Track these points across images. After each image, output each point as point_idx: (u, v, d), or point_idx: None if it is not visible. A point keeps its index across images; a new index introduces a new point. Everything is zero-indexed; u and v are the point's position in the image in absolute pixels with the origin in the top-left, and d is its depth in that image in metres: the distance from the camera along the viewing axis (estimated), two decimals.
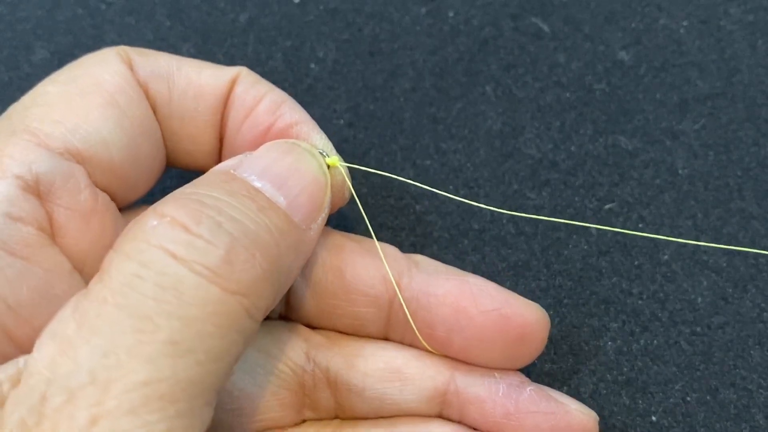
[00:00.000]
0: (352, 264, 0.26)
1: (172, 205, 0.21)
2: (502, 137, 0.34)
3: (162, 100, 0.26)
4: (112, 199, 0.25)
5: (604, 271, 0.31)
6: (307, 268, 0.26)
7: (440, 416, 0.27)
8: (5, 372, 0.20)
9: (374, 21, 0.37)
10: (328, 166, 0.25)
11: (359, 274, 0.26)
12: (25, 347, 0.21)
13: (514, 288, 0.31)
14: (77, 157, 0.24)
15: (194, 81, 0.26)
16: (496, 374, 0.26)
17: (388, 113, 0.35)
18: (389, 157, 0.34)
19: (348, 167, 0.27)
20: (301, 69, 0.36)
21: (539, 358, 0.30)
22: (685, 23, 0.37)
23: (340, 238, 0.27)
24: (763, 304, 0.30)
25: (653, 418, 0.29)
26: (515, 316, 0.26)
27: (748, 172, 0.33)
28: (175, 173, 0.32)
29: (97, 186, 0.24)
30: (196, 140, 0.27)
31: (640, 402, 0.29)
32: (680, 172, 0.33)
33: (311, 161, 0.24)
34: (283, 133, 0.26)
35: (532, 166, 0.33)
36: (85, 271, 0.23)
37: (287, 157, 0.24)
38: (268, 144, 0.25)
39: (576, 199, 0.33)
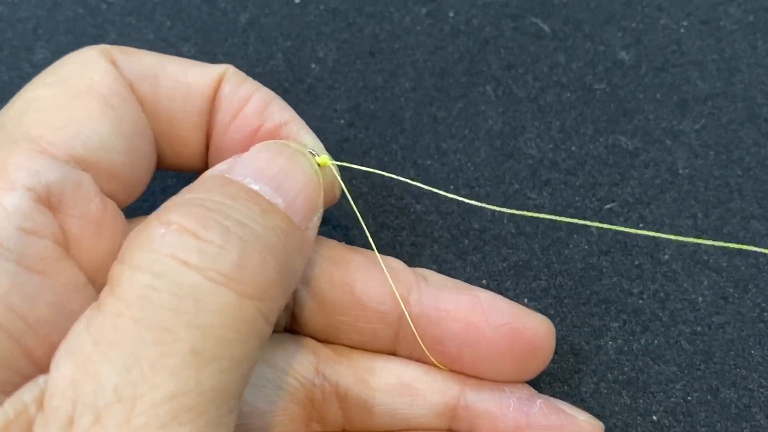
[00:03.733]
0: (360, 280, 0.26)
1: (176, 212, 0.20)
2: (503, 137, 0.34)
3: (149, 101, 0.25)
4: (118, 204, 0.25)
5: (604, 270, 0.31)
6: (313, 282, 0.26)
7: (450, 431, 0.27)
8: (30, 393, 0.19)
9: (375, 21, 0.37)
10: (319, 165, 0.25)
11: (368, 290, 0.26)
12: (43, 365, 0.20)
13: (515, 287, 0.31)
14: (82, 164, 0.23)
15: (181, 81, 0.26)
16: (505, 388, 0.26)
17: (388, 113, 0.35)
18: (390, 156, 0.34)
19: (338, 165, 0.27)
20: (302, 69, 0.36)
21: None
22: (685, 23, 0.37)
23: (346, 252, 0.27)
24: (763, 304, 0.30)
25: (654, 418, 0.29)
26: (525, 329, 0.26)
27: (749, 171, 0.33)
28: (174, 173, 0.32)
29: (103, 192, 0.24)
30: (184, 142, 0.26)
31: (641, 401, 0.29)
32: (681, 171, 0.33)
33: (303, 161, 0.24)
34: (273, 134, 0.26)
35: (532, 166, 0.33)
36: (98, 282, 0.23)
37: (280, 159, 0.23)
38: (258, 145, 0.24)
39: (576, 198, 0.33)
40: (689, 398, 0.29)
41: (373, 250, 0.27)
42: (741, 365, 0.29)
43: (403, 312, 0.26)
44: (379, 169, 0.32)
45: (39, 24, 0.38)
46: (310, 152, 0.25)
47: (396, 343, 0.27)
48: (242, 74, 0.27)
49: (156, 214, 0.21)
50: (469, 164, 0.33)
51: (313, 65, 0.36)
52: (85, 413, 0.18)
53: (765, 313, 0.30)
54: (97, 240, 0.23)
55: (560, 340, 0.30)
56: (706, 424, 0.29)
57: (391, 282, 0.26)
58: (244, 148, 0.25)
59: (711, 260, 0.31)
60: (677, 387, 0.29)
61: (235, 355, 0.19)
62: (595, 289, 0.31)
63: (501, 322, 0.26)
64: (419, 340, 0.26)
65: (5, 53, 0.37)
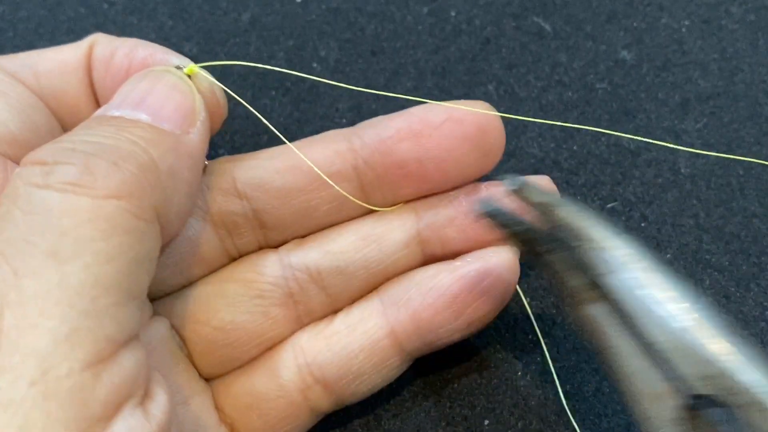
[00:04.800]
0: (306, 157, 0.27)
1: (31, 153, 0.22)
2: (504, 136, 0.34)
3: (32, 86, 0.27)
4: None
5: None
6: (266, 186, 0.27)
7: (424, 258, 0.28)
8: None
9: (376, 20, 0.37)
10: (190, 77, 0.26)
11: (316, 163, 0.27)
12: None
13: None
14: None
15: (56, 59, 0.27)
16: (450, 194, 0.28)
17: (390, 112, 0.35)
18: None
19: (209, 66, 0.27)
20: (304, 68, 0.36)
21: (541, 356, 0.30)
22: (686, 22, 0.37)
23: (277, 149, 0.28)
24: (765, 303, 0.30)
25: None
26: (465, 115, 0.27)
27: (750, 171, 0.33)
28: None
29: (11, 160, 0.25)
30: (75, 112, 0.28)
31: None
32: (682, 171, 0.33)
33: (168, 77, 0.25)
34: (140, 68, 0.27)
35: (534, 165, 0.33)
36: None
37: (141, 84, 0.25)
38: (125, 82, 0.25)
39: (578, 198, 0.33)
40: None
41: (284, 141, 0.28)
42: None
43: (358, 161, 0.27)
44: None
45: (41, 23, 0.38)
46: (177, 67, 0.26)
47: (369, 195, 0.28)
48: (111, 36, 0.28)
49: None
50: None
51: (314, 64, 0.36)
52: None
53: (766, 312, 0.30)
54: None
55: (562, 339, 0.30)
56: None
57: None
58: None
59: (713, 259, 0.31)
60: None
61: (101, 250, 0.20)
62: None
63: (441, 121, 0.27)
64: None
65: (7, 53, 0.37)
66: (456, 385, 0.30)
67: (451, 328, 0.27)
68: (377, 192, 0.28)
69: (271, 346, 0.28)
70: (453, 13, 0.37)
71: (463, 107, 0.27)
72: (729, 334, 0.21)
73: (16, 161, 0.25)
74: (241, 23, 0.37)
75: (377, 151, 0.27)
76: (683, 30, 0.36)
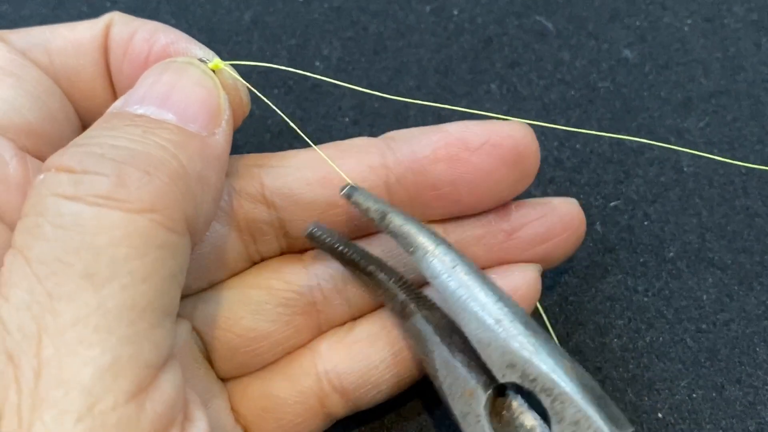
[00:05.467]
0: (337, 167, 0.26)
1: (55, 156, 0.21)
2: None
3: (44, 64, 0.26)
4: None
5: (609, 268, 0.31)
6: (294, 192, 0.26)
7: None
8: None
9: (379, 19, 0.37)
10: (214, 72, 0.25)
11: (349, 176, 0.26)
12: None
13: None
14: None
15: (69, 38, 0.26)
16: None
17: (393, 111, 0.35)
18: None
19: (236, 65, 0.26)
20: (306, 67, 0.36)
21: None
22: (689, 21, 0.37)
23: (309, 152, 0.27)
24: None
25: (659, 415, 0.29)
26: (504, 140, 0.26)
27: (753, 169, 0.33)
28: None
29: (26, 151, 0.24)
30: (90, 94, 0.27)
31: (646, 399, 0.29)
32: (685, 169, 0.33)
33: (192, 71, 0.24)
34: (161, 57, 0.26)
35: None
36: None
37: (164, 76, 0.23)
38: (145, 72, 0.24)
39: (581, 196, 0.33)
40: (694, 395, 0.29)
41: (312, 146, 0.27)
42: (746, 362, 0.29)
43: (389, 179, 0.26)
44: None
45: (43, 23, 0.37)
46: (201, 60, 0.25)
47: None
48: (129, 16, 0.27)
49: None
50: None
51: (317, 63, 0.36)
52: None
53: None
54: (23, 200, 0.23)
55: (565, 337, 0.30)
56: (711, 421, 0.29)
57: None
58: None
59: (716, 258, 0.31)
60: (682, 384, 0.29)
61: (136, 269, 0.19)
62: (600, 286, 0.31)
63: (479, 143, 0.26)
64: None
65: None
66: None
67: None
68: (407, 210, 0.27)
69: (291, 351, 0.27)
70: (455, 12, 0.37)
71: (501, 126, 0.26)
72: (532, 329, 0.24)
73: (34, 154, 0.24)
74: (243, 22, 0.37)
75: (410, 169, 0.26)
76: (686, 29, 0.36)
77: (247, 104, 0.26)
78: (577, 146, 0.34)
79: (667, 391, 0.29)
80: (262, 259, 0.28)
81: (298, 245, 0.28)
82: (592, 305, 0.31)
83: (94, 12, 0.38)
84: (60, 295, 0.18)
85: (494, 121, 0.27)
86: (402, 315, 0.26)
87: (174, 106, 0.22)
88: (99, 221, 0.19)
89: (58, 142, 0.25)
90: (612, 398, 0.29)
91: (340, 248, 0.26)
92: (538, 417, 0.25)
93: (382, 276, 0.26)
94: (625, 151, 0.34)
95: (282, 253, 0.28)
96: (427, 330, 0.26)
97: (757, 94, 0.35)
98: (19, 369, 0.18)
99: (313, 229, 0.26)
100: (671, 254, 0.31)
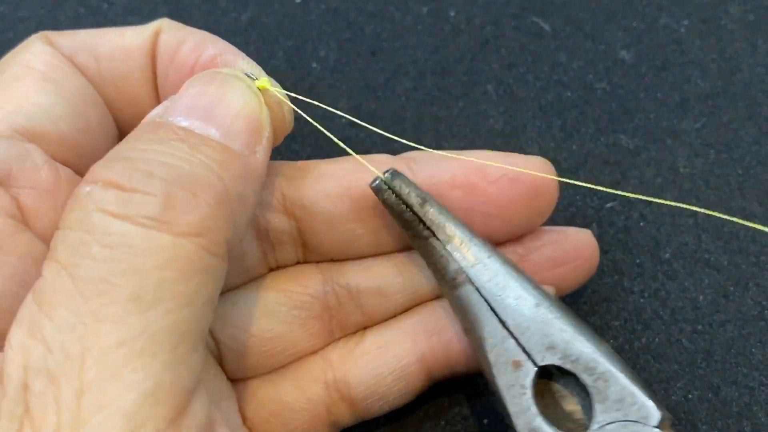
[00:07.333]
0: (355, 183, 0.26)
1: (101, 168, 0.20)
2: (504, 136, 0.34)
3: (91, 70, 0.26)
4: (77, 172, 0.25)
5: (605, 269, 0.31)
6: (316, 203, 0.26)
7: None
8: None
9: (376, 20, 0.37)
10: (260, 89, 0.24)
11: (364, 189, 0.26)
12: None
13: None
14: (27, 135, 0.23)
15: (118, 44, 0.26)
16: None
17: (389, 112, 0.35)
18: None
19: (287, 94, 0.26)
20: (303, 68, 0.36)
21: None
22: (685, 22, 0.37)
23: (330, 165, 0.27)
24: (764, 302, 0.30)
25: None
26: (523, 175, 0.26)
27: (749, 170, 0.33)
28: None
29: (57, 161, 0.24)
30: (135, 101, 0.26)
31: None
32: (681, 170, 0.33)
33: (238, 85, 0.23)
34: (207, 66, 0.25)
35: None
36: None
37: (210, 88, 0.23)
38: (189, 80, 0.24)
39: (578, 197, 0.33)
40: (690, 396, 0.29)
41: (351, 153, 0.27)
42: (742, 363, 0.29)
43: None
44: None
45: (40, 23, 0.38)
46: (249, 76, 0.25)
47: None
48: (178, 23, 0.27)
49: (87, 174, 0.21)
50: None
51: (314, 64, 0.36)
52: (38, 377, 0.18)
53: (766, 312, 0.30)
54: (54, 207, 0.23)
55: None
56: (706, 422, 0.29)
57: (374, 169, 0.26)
58: None
59: (712, 258, 0.31)
60: (678, 385, 0.29)
61: (181, 293, 0.19)
62: (596, 287, 0.31)
63: (497, 175, 0.26)
64: None
65: (7, 53, 0.37)
66: (455, 384, 0.30)
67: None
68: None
69: (301, 356, 0.28)
70: (452, 13, 0.37)
71: (521, 160, 0.26)
72: (569, 313, 0.25)
73: (63, 162, 0.24)
74: (240, 23, 0.37)
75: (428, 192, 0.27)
76: (682, 30, 0.36)
77: (289, 123, 0.26)
78: (574, 147, 0.34)
79: (663, 392, 0.29)
80: (279, 266, 0.28)
81: (315, 256, 0.28)
82: (588, 306, 0.31)
83: (90, 13, 0.38)
84: (106, 317, 0.18)
85: (516, 154, 0.27)
86: (452, 285, 0.25)
87: (218, 121, 0.22)
88: (147, 243, 0.19)
89: (90, 154, 0.25)
90: None
91: (401, 208, 0.25)
92: (579, 400, 0.24)
93: (436, 243, 0.25)
94: (621, 152, 0.34)
95: (297, 263, 0.28)
96: (477, 300, 0.25)
97: (753, 95, 0.35)
98: (60, 389, 0.18)
99: (377, 183, 0.25)
100: (667, 255, 0.31)
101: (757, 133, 0.34)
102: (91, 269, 0.19)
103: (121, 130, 0.27)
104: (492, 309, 0.25)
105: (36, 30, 0.37)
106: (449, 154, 0.27)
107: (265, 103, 0.24)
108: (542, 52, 0.36)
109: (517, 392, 0.24)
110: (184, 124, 0.22)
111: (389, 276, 0.27)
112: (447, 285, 0.26)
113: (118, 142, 0.26)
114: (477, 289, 0.25)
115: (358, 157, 0.26)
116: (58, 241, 0.20)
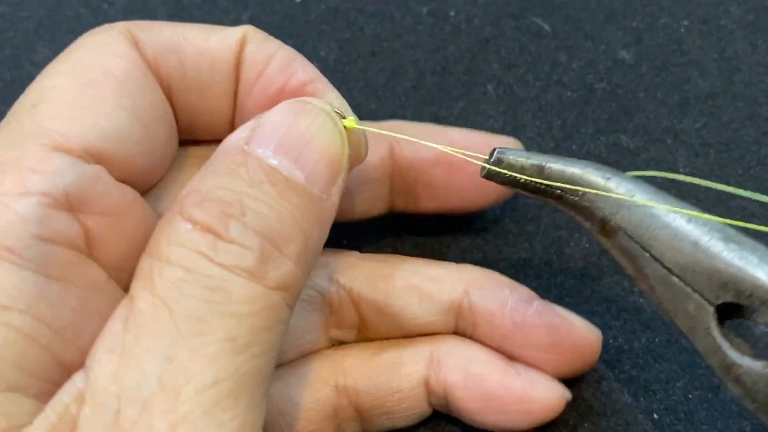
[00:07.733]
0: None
1: (196, 207, 0.21)
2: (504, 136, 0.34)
3: (176, 75, 0.25)
4: (135, 188, 0.24)
5: (605, 269, 0.31)
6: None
7: (456, 331, 0.28)
8: (69, 394, 0.19)
9: (376, 20, 0.37)
10: (345, 128, 0.24)
11: (361, 165, 0.26)
12: (72, 369, 0.20)
13: None
14: (95, 157, 0.22)
15: (204, 49, 0.25)
16: (507, 290, 0.28)
17: (389, 112, 0.35)
18: None
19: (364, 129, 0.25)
20: None
21: None
22: (685, 22, 0.37)
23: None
24: None
25: (655, 416, 0.29)
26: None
27: (749, 170, 0.33)
28: None
29: (119, 181, 0.23)
30: (213, 110, 0.26)
31: (642, 400, 0.29)
32: (681, 170, 0.33)
33: (326, 122, 0.23)
34: (297, 93, 0.25)
35: None
36: (122, 275, 0.23)
37: (302, 122, 0.22)
38: (279, 107, 0.23)
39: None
40: (690, 396, 0.29)
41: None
42: None
43: (395, 168, 0.29)
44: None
45: (41, 24, 0.38)
46: (336, 112, 0.24)
47: (394, 197, 0.30)
48: (263, 33, 0.26)
49: (179, 204, 0.21)
50: None
51: (314, 64, 0.36)
52: (132, 405, 0.19)
53: None
54: (119, 230, 0.23)
55: None
56: (706, 422, 0.29)
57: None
58: (269, 108, 0.24)
59: None
60: (678, 385, 0.29)
61: (266, 340, 0.20)
62: (596, 287, 0.31)
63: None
64: None
65: (7, 53, 0.37)
66: None
67: (477, 419, 0.28)
68: (401, 198, 0.30)
69: (305, 353, 0.28)
70: (452, 13, 0.37)
71: (494, 139, 0.29)
72: (733, 240, 0.23)
73: (123, 181, 0.23)
74: (240, 23, 0.37)
75: (413, 167, 0.29)
76: (682, 30, 0.36)
77: (363, 158, 0.26)
78: (573, 148, 0.34)
79: (663, 392, 0.29)
80: None
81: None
82: (588, 306, 0.31)
83: (91, 13, 0.38)
84: (203, 355, 0.19)
85: (491, 134, 0.30)
86: (604, 233, 0.24)
87: (305, 164, 0.22)
88: (243, 291, 0.20)
89: (150, 171, 0.25)
90: (608, 399, 0.29)
91: (522, 182, 0.25)
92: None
93: (570, 199, 0.25)
94: (621, 152, 0.34)
95: None
96: (635, 247, 0.24)
97: (753, 95, 0.35)
98: (154, 419, 0.18)
99: (485, 172, 0.25)
100: None
101: (757, 133, 0.34)
102: (190, 307, 0.19)
103: (186, 136, 0.26)
104: (651, 255, 0.23)
105: (36, 30, 0.38)
106: (433, 130, 0.30)
107: (348, 142, 0.24)
108: (542, 52, 0.36)
109: (701, 333, 0.23)
110: (273, 162, 0.22)
111: (393, 297, 0.28)
112: (601, 237, 0.25)
113: (175, 155, 0.26)
114: (631, 237, 0.24)
115: (441, 147, 0.26)
116: (155, 272, 0.20)
